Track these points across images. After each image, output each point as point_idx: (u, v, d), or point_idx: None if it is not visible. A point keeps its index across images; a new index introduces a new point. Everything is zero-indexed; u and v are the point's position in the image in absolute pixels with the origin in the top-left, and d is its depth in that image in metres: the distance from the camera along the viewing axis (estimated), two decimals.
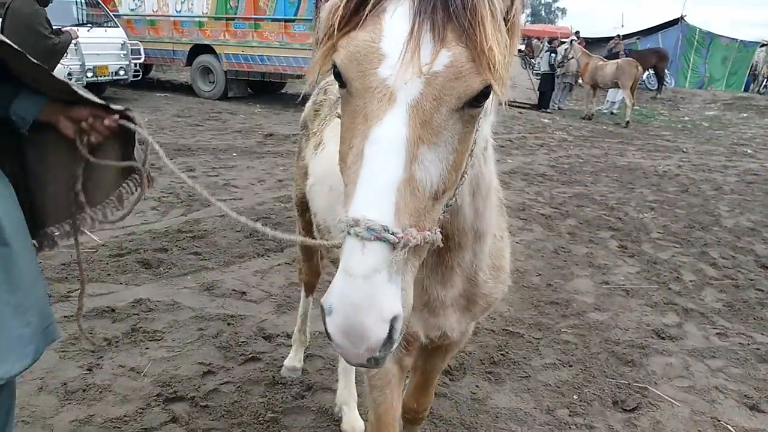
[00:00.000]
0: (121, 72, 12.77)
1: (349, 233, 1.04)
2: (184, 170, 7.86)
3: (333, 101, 2.69)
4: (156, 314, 4.01)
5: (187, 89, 15.52)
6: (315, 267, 3.46)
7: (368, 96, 1.10)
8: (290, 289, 4.63)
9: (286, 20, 13.40)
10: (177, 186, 7.11)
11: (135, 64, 13.21)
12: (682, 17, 27.74)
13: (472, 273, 1.82)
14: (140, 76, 13.98)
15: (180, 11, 14.47)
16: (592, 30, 32.20)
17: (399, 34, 1.09)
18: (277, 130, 11.36)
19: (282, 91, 16.83)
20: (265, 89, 15.77)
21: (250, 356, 3.64)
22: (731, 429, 3.34)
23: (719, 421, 3.42)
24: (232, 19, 13.88)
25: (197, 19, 14.28)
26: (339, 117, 1.36)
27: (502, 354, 3.92)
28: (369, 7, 1.11)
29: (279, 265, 5.06)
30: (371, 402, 2.02)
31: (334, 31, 1.14)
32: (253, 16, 13.67)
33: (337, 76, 1.16)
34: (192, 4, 14.20)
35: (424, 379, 2.46)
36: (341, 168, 1.20)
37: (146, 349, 3.61)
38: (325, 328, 1.09)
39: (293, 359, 3.50)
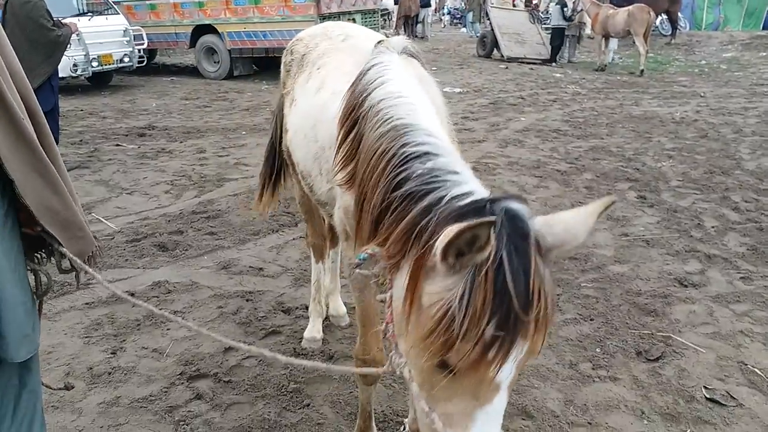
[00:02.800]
0: (126, 59, 12.72)
1: None
2: (195, 152, 7.92)
3: (299, 59, 2.93)
4: (175, 295, 4.05)
5: (192, 71, 15.45)
6: (319, 227, 3.50)
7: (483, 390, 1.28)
8: (306, 262, 4.62)
9: None
10: (188, 168, 7.13)
11: (139, 50, 13.15)
12: None
13: None
14: (145, 62, 13.94)
15: None
16: None
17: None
18: None
19: None
20: (271, 65, 15.62)
21: (270, 330, 3.67)
22: (758, 372, 3.29)
23: (746, 364, 3.37)
24: None
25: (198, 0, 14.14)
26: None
27: None
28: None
29: (294, 239, 5.06)
30: (356, 300, 2.40)
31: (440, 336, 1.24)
32: None
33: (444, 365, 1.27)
34: None
35: None
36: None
37: (167, 330, 3.65)
38: None
39: (312, 330, 3.52)
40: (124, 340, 3.55)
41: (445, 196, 1.38)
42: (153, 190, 6.36)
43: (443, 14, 35.06)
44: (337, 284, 3.81)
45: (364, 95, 1.86)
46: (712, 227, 5.35)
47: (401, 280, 1.40)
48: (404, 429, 2.90)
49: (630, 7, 16.62)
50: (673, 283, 4.35)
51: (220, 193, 6.25)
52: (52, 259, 1.85)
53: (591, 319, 3.85)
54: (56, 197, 1.73)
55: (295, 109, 2.78)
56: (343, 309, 3.79)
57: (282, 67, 3.15)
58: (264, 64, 15.22)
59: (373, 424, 2.77)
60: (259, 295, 4.09)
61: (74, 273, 1.89)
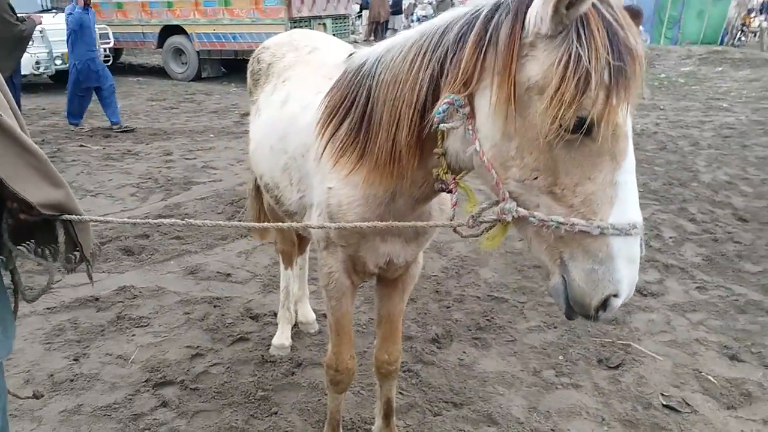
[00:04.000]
0: None
1: (629, 233, 1.38)
2: (162, 154, 7.82)
3: (265, 69, 2.95)
4: (141, 300, 4.00)
5: (159, 72, 15.22)
6: (288, 234, 3.49)
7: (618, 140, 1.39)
8: (275, 268, 4.61)
9: None
10: (155, 171, 7.04)
11: (104, 49, 12.89)
12: None
13: (427, 212, 2.11)
14: (110, 61, 13.67)
15: None
16: None
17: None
18: None
19: None
20: (239, 67, 15.49)
21: (238, 337, 3.65)
22: (712, 379, 3.42)
23: (700, 372, 3.50)
24: None
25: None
26: None
27: (487, 320, 3.97)
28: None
29: (262, 245, 5.04)
30: (330, 309, 2.37)
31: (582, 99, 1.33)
32: None
33: (579, 130, 1.36)
34: None
35: (389, 327, 2.56)
36: (547, 182, 1.45)
37: (133, 336, 3.60)
38: (605, 305, 1.43)
39: (281, 337, 3.52)
40: (87, 347, 3.49)
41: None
42: (118, 192, 6.26)
43: (412, 21, 35.33)
44: (305, 291, 3.82)
45: (360, 72, 1.94)
46: (670, 238, 5.53)
47: (486, 107, 1.48)
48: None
49: None
50: (633, 293, 4.47)
51: (188, 197, 6.19)
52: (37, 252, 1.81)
53: (554, 327, 3.94)
54: (58, 190, 1.71)
55: (260, 120, 2.79)
56: (312, 316, 3.80)
57: (249, 75, 3.14)
58: (232, 67, 15.10)
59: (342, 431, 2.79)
60: (226, 301, 4.07)
61: (86, 267, 1.85)
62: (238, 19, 13.39)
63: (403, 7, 27.86)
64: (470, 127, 1.53)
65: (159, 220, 1.89)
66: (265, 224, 2.63)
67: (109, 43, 13.18)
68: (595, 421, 3.07)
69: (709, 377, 3.43)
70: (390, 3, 23.28)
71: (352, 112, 1.96)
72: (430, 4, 37.63)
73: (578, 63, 1.29)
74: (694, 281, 4.69)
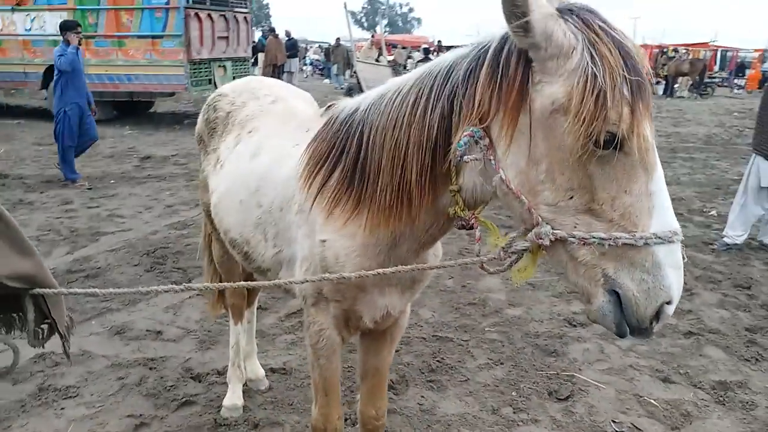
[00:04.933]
0: None
1: (672, 241, 1.42)
2: (60, 203, 7.23)
3: (224, 117, 2.84)
4: (64, 368, 3.61)
5: (43, 114, 14.17)
6: (240, 287, 3.30)
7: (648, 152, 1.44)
8: (208, 323, 4.37)
9: (153, 36, 12.72)
10: (56, 222, 6.49)
11: None
12: None
13: (426, 257, 2.09)
14: None
15: (30, 30, 13.22)
16: (449, 39, 33.82)
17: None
18: (153, 152, 10.74)
19: (151, 110, 15.95)
20: (132, 109, 14.83)
21: (183, 400, 3.38)
22: (653, 402, 3.62)
23: (641, 396, 3.69)
24: (92, 37, 12.92)
25: (51, 38, 13.09)
26: None
27: (438, 360, 3.97)
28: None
29: (190, 298, 4.76)
30: (318, 368, 2.25)
31: (610, 113, 1.38)
32: (116, 34, 12.83)
33: (612, 145, 1.40)
34: (44, 22, 13.01)
35: (377, 380, 2.49)
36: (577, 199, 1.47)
37: (62, 409, 3.23)
38: (659, 314, 1.44)
39: (232, 397, 3.31)
40: (8, 427, 3.08)
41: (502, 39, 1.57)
42: None
43: (305, 65, 35.68)
44: (253, 346, 3.63)
45: (349, 121, 1.95)
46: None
47: (506, 137, 1.52)
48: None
49: None
50: (564, 324, 4.68)
51: (96, 249, 5.75)
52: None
53: (501, 363, 4.02)
54: (27, 260, 1.54)
55: (223, 172, 2.66)
56: (262, 372, 3.61)
57: (202, 123, 2.99)
58: (126, 109, 14.43)
59: None
60: (162, 362, 3.77)
61: (63, 343, 1.70)
62: (133, 60, 12.88)
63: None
64: (491, 157, 1.55)
65: (151, 288, 1.75)
66: (259, 283, 2.45)
67: None
68: None
69: (651, 400, 3.63)
70: (286, 47, 23.41)
71: (343, 160, 1.93)
72: (321, 48, 38.48)
73: (595, 81, 1.36)
74: None
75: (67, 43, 8.15)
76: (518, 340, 4.35)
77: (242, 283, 2.31)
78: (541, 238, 1.48)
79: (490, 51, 1.56)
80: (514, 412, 3.47)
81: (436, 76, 1.69)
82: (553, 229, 1.48)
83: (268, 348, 4.03)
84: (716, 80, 29.44)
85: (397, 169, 1.75)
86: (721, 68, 33.65)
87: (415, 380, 3.74)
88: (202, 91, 13.48)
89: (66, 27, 8.36)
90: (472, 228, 1.72)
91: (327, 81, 28.59)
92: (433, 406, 3.49)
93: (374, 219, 1.83)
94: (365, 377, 2.48)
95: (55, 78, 8.37)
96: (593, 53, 1.37)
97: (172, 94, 14.72)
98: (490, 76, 1.53)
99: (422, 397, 3.58)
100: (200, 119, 3.05)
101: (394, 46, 32.01)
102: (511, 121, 1.50)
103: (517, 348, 4.23)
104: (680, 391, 3.78)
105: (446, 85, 1.66)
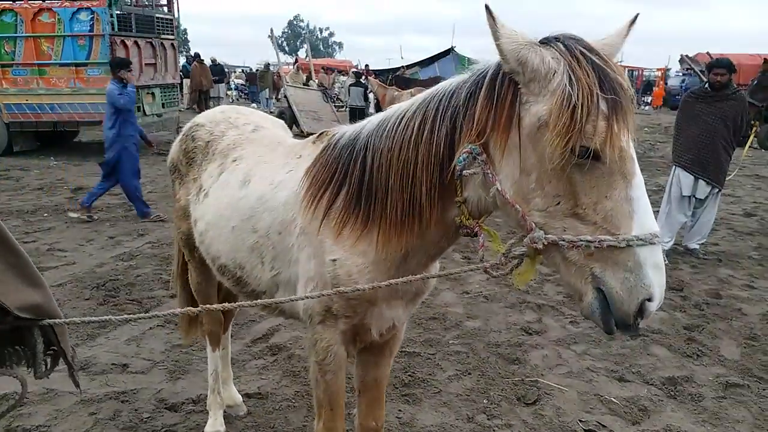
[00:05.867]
0: None
1: (653, 242, 1.54)
2: None
3: (203, 147, 2.87)
4: (31, 408, 3.46)
5: None
6: (216, 313, 3.29)
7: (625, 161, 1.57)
8: (174, 351, 4.30)
9: (77, 64, 12.31)
10: None
11: None
12: (452, 48, 31.00)
13: (431, 268, 2.21)
14: None
15: None
16: (372, 62, 34.49)
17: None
18: (84, 182, 10.34)
19: (76, 139, 15.34)
20: (56, 139, 14.22)
21: (163, 431, 3.32)
22: (614, 400, 3.88)
23: (602, 396, 3.95)
24: (9, 65, 12.34)
25: None
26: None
27: (409, 375, 4.08)
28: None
29: (151, 328, 4.66)
30: (324, 385, 2.28)
31: (583, 126, 1.53)
32: (36, 62, 12.32)
33: (586, 155, 1.55)
34: None
35: (376, 392, 2.58)
36: (558, 207, 1.62)
37: None
38: (641, 311, 1.56)
39: (215, 424, 3.28)
40: None
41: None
42: None
43: (229, 89, 35.25)
44: (230, 372, 3.62)
45: (352, 144, 2.08)
46: (532, 280, 6.15)
47: (501, 151, 1.69)
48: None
49: (412, 89, 18.65)
50: (521, 332, 4.91)
51: None
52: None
53: (469, 373, 4.18)
54: (36, 291, 1.54)
55: (209, 201, 2.69)
56: (239, 398, 3.60)
57: (179, 153, 3.00)
58: (49, 139, 13.82)
59: None
60: (133, 395, 3.68)
61: (71, 373, 1.69)
62: (56, 89, 12.40)
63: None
64: (488, 171, 1.70)
65: (169, 312, 1.79)
66: (268, 300, 2.40)
67: None
68: None
69: (611, 398, 3.89)
70: (213, 72, 23.15)
71: (348, 183, 2.04)
72: (243, 73, 38.24)
73: (570, 99, 1.51)
74: (565, 316, 5.28)
75: (120, 80, 7.88)
76: (481, 350, 4.54)
77: (249, 302, 2.33)
78: (535, 243, 1.63)
79: (488, 76, 1.73)
80: (488, 419, 3.63)
81: (441, 99, 1.85)
82: (546, 233, 1.62)
83: (240, 374, 4.01)
84: None
85: (406, 187, 1.88)
86: None
87: (390, 395, 3.83)
88: None
89: (120, 65, 8.09)
90: (476, 235, 1.86)
91: (254, 105, 28.42)
92: (412, 418, 3.60)
93: (386, 235, 1.95)
94: (364, 390, 2.55)
95: (110, 116, 7.97)
96: (571, 75, 1.54)
97: (99, 123, 14.19)
98: (486, 98, 1.70)
99: (399, 410, 3.67)
100: (176, 149, 3.06)
101: (331, 70, 32.39)
102: (504, 137, 1.66)
103: (482, 358, 4.41)
104: (635, 388, 4.06)
105: (450, 106, 1.82)
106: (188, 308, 2.70)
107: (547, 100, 1.58)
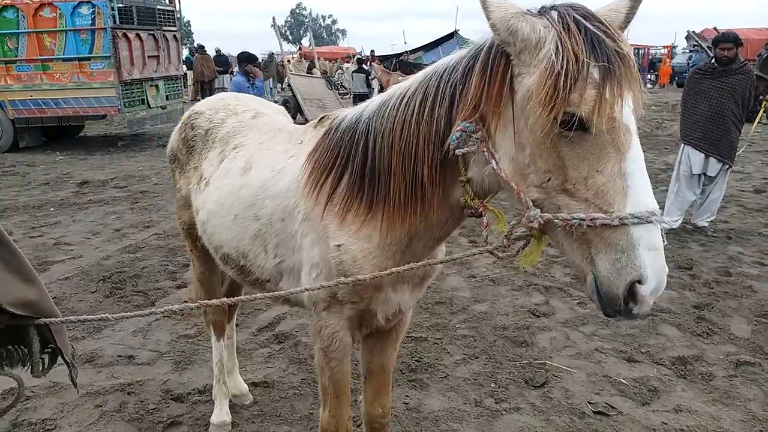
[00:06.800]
0: None
1: (650, 221, 1.43)
2: None
3: (203, 135, 2.83)
4: (37, 401, 3.48)
5: None
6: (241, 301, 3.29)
7: (617, 132, 1.47)
8: (180, 342, 4.30)
9: (80, 59, 12.29)
10: None
11: None
12: (455, 31, 30.75)
13: (437, 251, 2.17)
14: None
15: None
16: (376, 48, 34.23)
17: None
18: (90, 176, 10.36)
19: (81, 134, 15.38)
20: (61, 134, 14.25)
21: (168, 422, 3.33)
22: (623, 381, 3.84)
23: (611, 377, 3.91)
24: (13, 62, 12.35)
25: None
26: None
27: (416, 360, 4.06)
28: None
29: (157, 320, 4.66)
30: (330, 372, 2.26)
31: (570, 92, 1.45)
32: (39, 57, 12.30)
33: (571, 124, 1.45)
34: None
35: (382, 378, 2.56)
36: (550, 182, 1.54)
37: None
38: (633, 294, 1.45)
39: (221, 413, 3.27)
40: None
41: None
42: None
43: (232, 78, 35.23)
44: (235, 362, 3.61)
45: (354, 128, 2.03)
46: (539, 262, 6.11)
47: (497, 126, 1.63)
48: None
49: (416, 75, 18.51)
50: (528, 315, 4.87)
51: (49, 278, 5.51)
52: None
53: (476, 357, 4.15)
54: (30, 287, 1.52)
55: (210, 189, 2.65)
56: (246, 386, 3.59)
57: (179, 142, 2.97)
58: (54, 134, 13.86)
59: None
60: (140, 386, 3.69)
61: (70, 372, 1.68)
62: (59, 84, 12.39)
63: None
64: (485, 148, 1.64)
65: (166, 308, 1.76)
66: (278, 293, 2.38)
67: None
68: None
69: (621, 379, 3.85)
70: (218, 63, 23.12)
71: (350, 167, 2.00)
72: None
73: (553, 66, 1.44)
74: (573, 298, 5.23)
75: (246, 74, 7.91)
76: (488, 333, 4.51)
77: (261, 294, 2.29)
78: (531, 222, 1.56)
79: (484, 49, 1.67)
80: (496, 402, 3.61)
81: (441, 75, 1.79)
82: (544, 211, 1.56)
83: (246, 363, 4.01)
84: None
85: (408, 168, 1.83)
86: None
87: (398, 381, 3.81)
88: (136, 112, 13.13)
89: (248, 59, 8.14)
90: (481, 215, 1.80)
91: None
92: (419, 403, 3.58)
93: (390, 219, 1.90)
94: (370, 376, 2.53)
95: None
96: (558, 43, 1.46)
97: (103, 117, 14.24)
98: (481, 72, 1.64)
99: (407, 396, 3.66)
100: (175, 137, 3.03)
101: (333, 61, 32.19)
102: (498, 111, 1.61)
103: (489, 341, 4.38)
104: (644, 369, 4.02)
105: (450, 82, 1.76)
106: (186, 304, 2.68)
107: (535, 71, 1.50)
